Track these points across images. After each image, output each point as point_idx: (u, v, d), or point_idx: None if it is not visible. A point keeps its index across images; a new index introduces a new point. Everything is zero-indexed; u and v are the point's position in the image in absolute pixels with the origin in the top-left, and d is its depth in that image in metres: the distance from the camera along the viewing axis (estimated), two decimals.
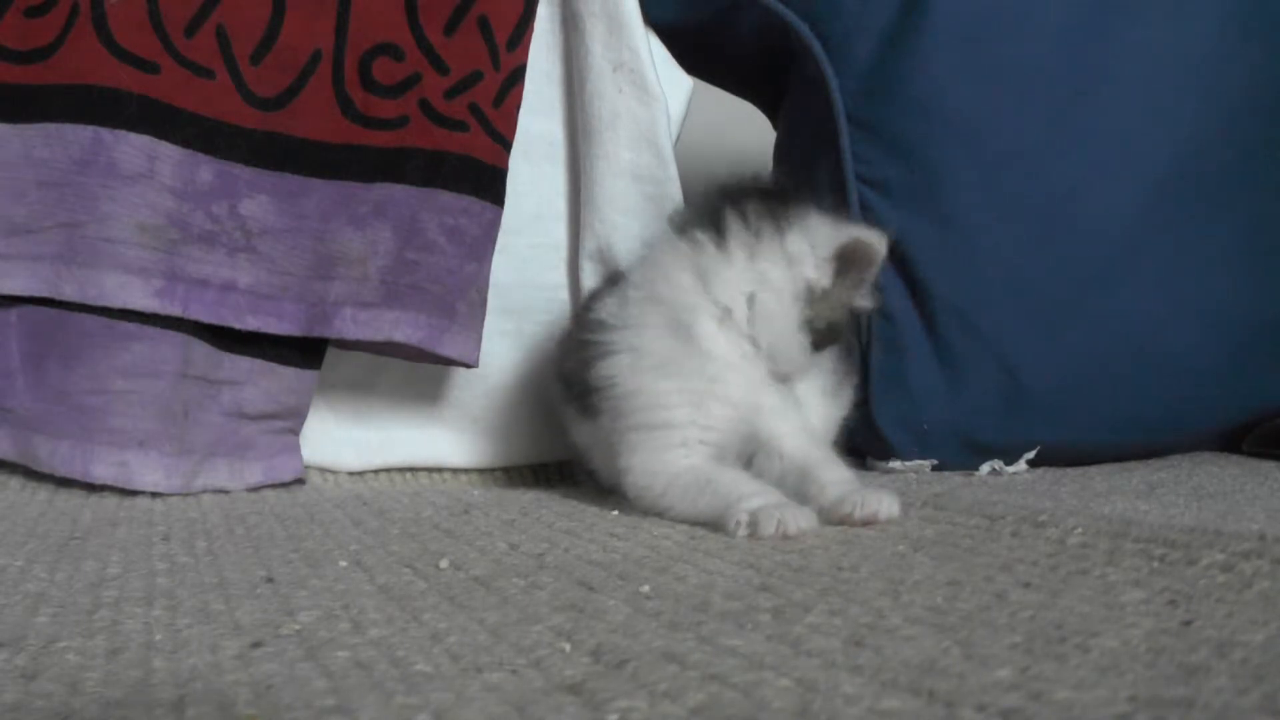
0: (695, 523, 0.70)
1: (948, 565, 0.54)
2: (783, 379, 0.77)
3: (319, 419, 1.00)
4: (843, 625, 0.43)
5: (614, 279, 0.86)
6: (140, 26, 0.89)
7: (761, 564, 0.56)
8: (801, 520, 0.64)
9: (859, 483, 0.71)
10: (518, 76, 0.97)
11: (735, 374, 0.74)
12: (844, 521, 0.68)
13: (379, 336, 0.92)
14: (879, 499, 0.68)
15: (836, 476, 0.72)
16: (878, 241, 0.75)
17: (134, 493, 0.87)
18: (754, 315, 0.75)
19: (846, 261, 0.75)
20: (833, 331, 0.77)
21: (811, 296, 0.75)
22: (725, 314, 0.74)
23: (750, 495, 0.67)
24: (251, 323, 0.91)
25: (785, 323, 0.75)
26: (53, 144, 0.87)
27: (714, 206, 0.78)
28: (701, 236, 0.76)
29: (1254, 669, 0.35)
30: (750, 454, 0.76)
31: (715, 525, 0.67)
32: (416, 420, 1.03)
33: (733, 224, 0.76)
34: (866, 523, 0.67)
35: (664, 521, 0.71)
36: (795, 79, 1.07)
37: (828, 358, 0.84)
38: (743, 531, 0.64)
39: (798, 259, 0.74)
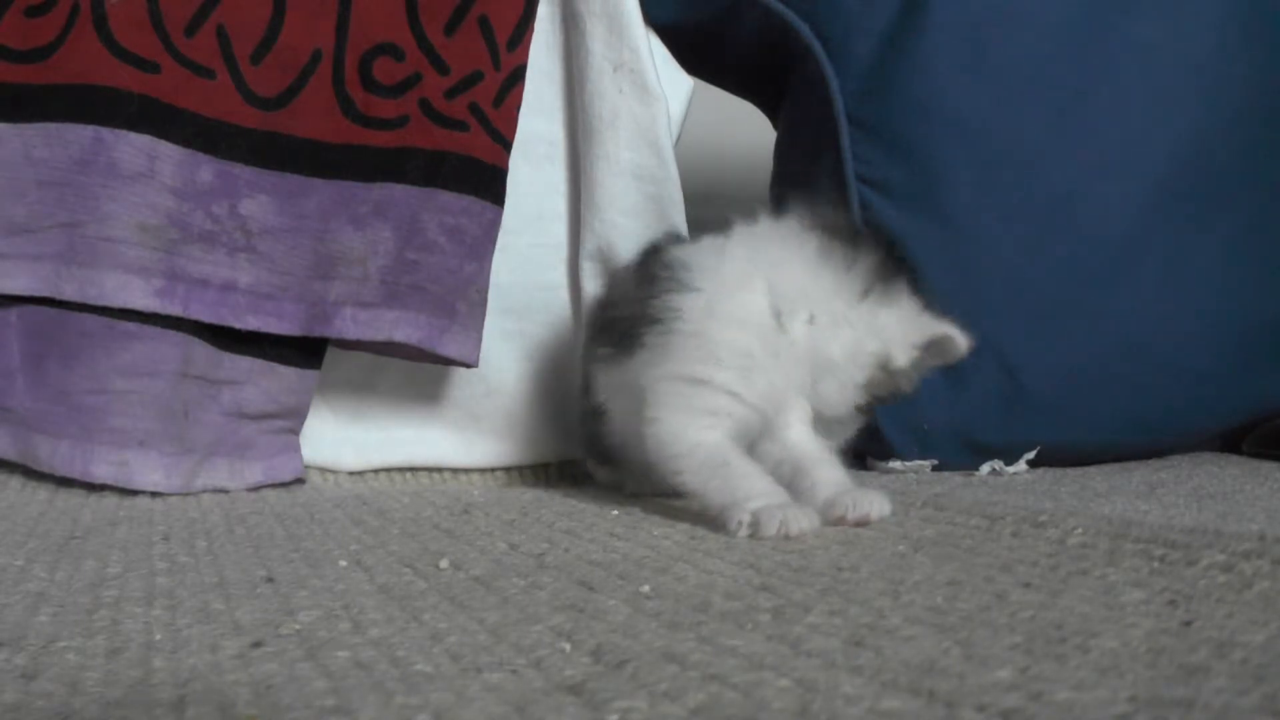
0: (698, 500, 0.69)
1: (948, 565, 0.54)
2: (817, 421, 0.76)
3: (319, 419, 1.00)
4: (843, 625, 0.43)
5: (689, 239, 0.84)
6: (140, 26, 0.89)
7: (761, 564, 0.56)
8: (804, 521, 0.64)
9: (852, 484, 0.71)
10: (518, 76, 0.97)
11: (793, 365, 0.73)
12: (837, 523, 0.68)
13: (379, 336, 0.92)
14: (871, 500, 0.68)
15: (831, 477, 0.72)
16: (964, 342, 0.75)
17: (134, 492, 0.87)
18: (829, 348, 0.74)
19: (930, 351, 0.75)
20: (880, 401, 0.77)
21: (884, 367, 0.74)
22: (812, 320, 0.73)
23: (758, 495, 0.67)
24: (252, 322, 0.91)
25: (852, 374, 0.74)
26: (53, 143, 0.87)
27: (850, 229, 0.77)
28: (834, 244, 0.75)
29: (1254, 669, 0.35)
30: (756, 438, 0.75)
31: (715, 516, 0.67)
32: (417, 420, 1.03)
33: (866, 258, 0.74)
34: (859, 524, 0.67)
35: (664, 521, 0.71)
36: (796, 79, 1.07)
37: None
38: (744, 532, 0.64)
39: (893, 332, 0.74)
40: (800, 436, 0.74)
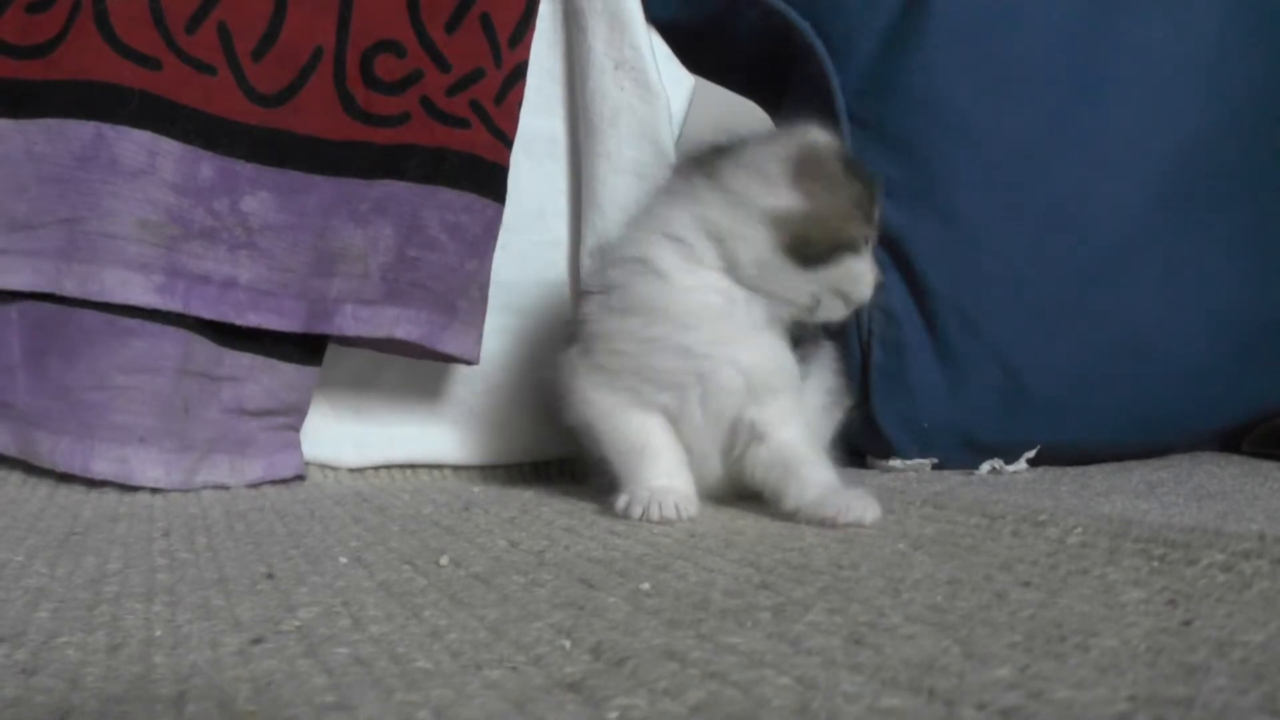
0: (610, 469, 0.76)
1: (948, 564, 0.54)
2: (791, 321, 0.74)
3: (319, 415, 1.00)
4: (842, 623, 0.43)
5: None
6: (142, 22, 0.89)
7: (761, 562, 0.56)
8: (687, 508, 0.71)
9: (841, 485, 0.71)
10: (519, 74, 0.97)
11: (708, 321, 0.72)
12: (824, 524, 0.68)
13: (380, 333, 0.92)
14: (864, 505, 0.68)
15: (819, 478, 0.72)
16: (822, 139, 0.72)
17: (134, 488, 0.87)
18: (726, 249, 0.72)
19: (804, 172, 0.70)
20: (838, 246, 0.71)
21: (778, 217, 0.70)
22: (687, 250, 0.72)
23: (652, 477, 0.72)
24: (252, 319, 0.91)
25: (756, 251, 0.71)
26: (54, 140, 0.87)
27: (681, 167, 0.79)
28: (663, 186, 0.78)
29: (1254, 669, 0.35)
30: (746, 442, 0.75)
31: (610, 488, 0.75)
32: (417, 417, 1.03)
33: (685, 167, 0.76)
34: (849, 527, 0.67)
35: (664, 520, 0.71)
36: (797, 77, 1.07)
37: (829, 355, 0.84)
38: (621, 509, 0.71)
39: (747, 182, 0.71)
40: (790, 438, 0.74)
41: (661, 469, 0.74)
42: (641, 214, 0.78)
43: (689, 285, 0.72)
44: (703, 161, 0.75)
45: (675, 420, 0.75)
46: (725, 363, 0.72)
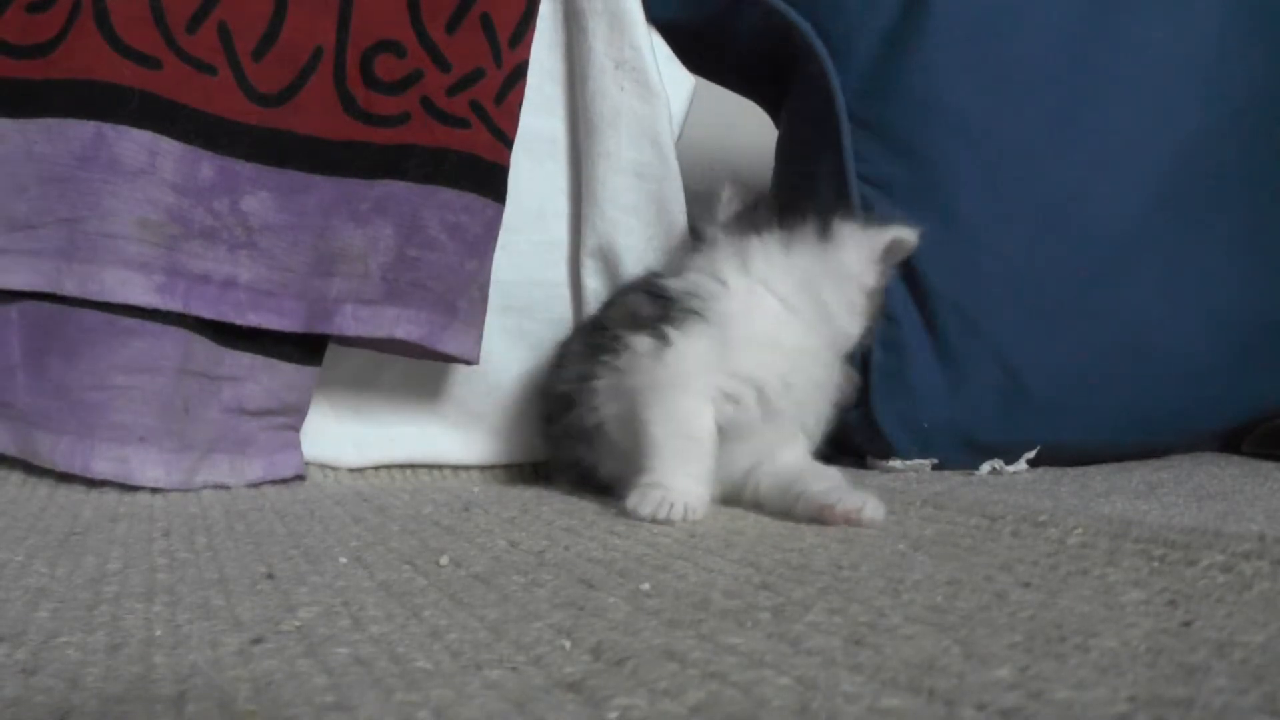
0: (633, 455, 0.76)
1: (947, 564, 0.54)
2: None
3: (319, 415, 1.00)
4: (842, 624, 0.43)
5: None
6: (142, 22, 0.89)
7: (761, 562, 0.56)
8: (695, 512, 0.71)
9: (848, 484, 0.73)
10: (520, 74, 0.97)
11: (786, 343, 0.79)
12: (823, 512, 0.68)
13: (380, 333, 0.92)
14: (864, 499, 0.69)
15: (824, 472, 0.76)
16: (912, 234, 0.82)
17: (134, 488, 0.87)
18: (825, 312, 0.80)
19: (888, 258, 0.82)
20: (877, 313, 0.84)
21: (868, 294, 0.81)
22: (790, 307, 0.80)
23: (670, 473, 0.73)
24: (252, 319, 0.91)
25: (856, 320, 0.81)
26: (54, 139, 0.87)
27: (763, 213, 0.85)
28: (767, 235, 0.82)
29: (1254, 669, 0.35)
30: (755, 464, 0.79)
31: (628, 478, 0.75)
32: (417, 417, 1.03)
33: (797, 224, 0.82)
34: (847, 519, 0.67)
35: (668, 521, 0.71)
36: (797, 77, 1.07)
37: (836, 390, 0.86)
38: (631, 507, 0.71)
39: (854, 263, 0.80)
40: (794, 458, 0.79)
41: (694, 467, 0.74)
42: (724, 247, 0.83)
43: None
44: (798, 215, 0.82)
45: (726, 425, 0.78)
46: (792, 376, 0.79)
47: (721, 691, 0.35)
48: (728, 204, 0.86)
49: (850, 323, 0.81)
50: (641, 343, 0.78)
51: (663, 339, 0.77)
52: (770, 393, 0.77)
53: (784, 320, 0.79)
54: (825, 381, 0.81)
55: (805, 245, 0.81)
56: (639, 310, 0.81)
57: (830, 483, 0.72)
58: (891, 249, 0.81)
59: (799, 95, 1.08)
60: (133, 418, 0.87)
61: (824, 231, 0.81)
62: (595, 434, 0.82)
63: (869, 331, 0.84)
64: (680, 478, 0.73)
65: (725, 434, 0.77)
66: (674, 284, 0.81)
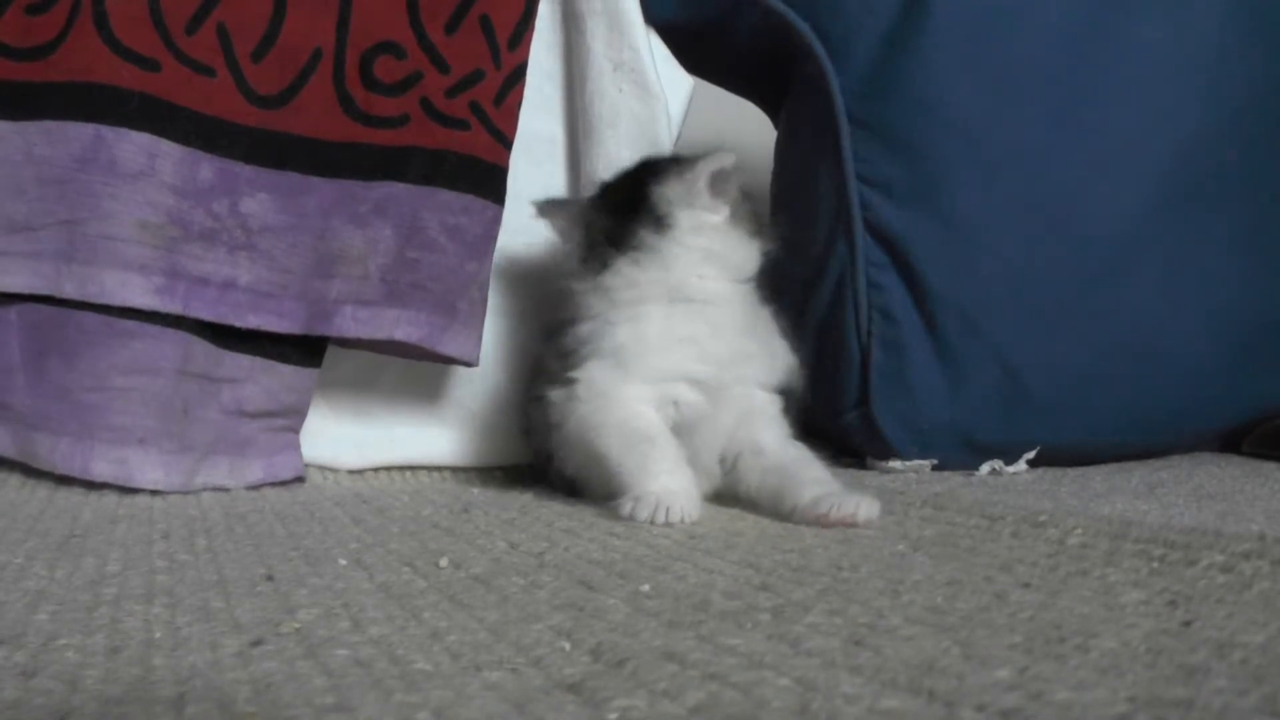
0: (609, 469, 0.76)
1: (947, 565, 0.54)
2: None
3: (319, 417, 1.00)
4: (842, 625, 0.43)
5: None
6: (141, 24, 0.88)
7: (761, 563, 0.56)
8: (691, 512, 0.71)
9: (837, 483, 0.73)
10: (519, 75, 0.97)
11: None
12: (819, 521, 0.68)
13: (380, 335, 0.92)
14: (856, 500, 0.69)
15: (814, 475, 0.74)
16: (724, 159, 0.81)
17: (134, 490, 0.87)
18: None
19: (721, 190, 0.82)
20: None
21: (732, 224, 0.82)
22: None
23: (657, 475, 0.73)
24: (252, 321, 0.91)
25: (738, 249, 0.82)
26: (53, 141, 0.87)
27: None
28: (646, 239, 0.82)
29: (1254, 669, 0.35)
30: (735, 455, 0.79)
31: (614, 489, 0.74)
32: (417, 419, 1.03)
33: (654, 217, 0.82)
34: (843, 524, 0.67)
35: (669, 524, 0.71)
36: (796, 78, 1.07)
37: (773, 321, 0.86)
38: (626, 514, 0.71)
39: (691, 228, 0.81)
40: (776, 446, 0.79)
41: (665, 465, 0.74)
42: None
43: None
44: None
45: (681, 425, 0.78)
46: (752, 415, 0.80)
47: (721, 692, 0.35)
48: (567, 259, 0.87)
49: (741, 258, 0.82)
50: (558, 394, 0.80)
51: (571, 384, 0.79)
52: (701, 375, 0.78)
53: (673, 315, 0.79)
54: (750, 325, 0.81)
55: (648, 250, 0.80)
56: (548, 366, 0.84)
57: (819, 489, 0.71)
58: (716, 179, 0.81)
59: (798, 96, 1.08)
60: (132, 419, 0.87)
61: (656, 221, 0.81)
62: (563, 450, 0.82)
63: (769, 236, 0.84)
64: (657, 480, 0.73)
65: (691, 427, 0.78)
66: (567, 341, 0.82)
